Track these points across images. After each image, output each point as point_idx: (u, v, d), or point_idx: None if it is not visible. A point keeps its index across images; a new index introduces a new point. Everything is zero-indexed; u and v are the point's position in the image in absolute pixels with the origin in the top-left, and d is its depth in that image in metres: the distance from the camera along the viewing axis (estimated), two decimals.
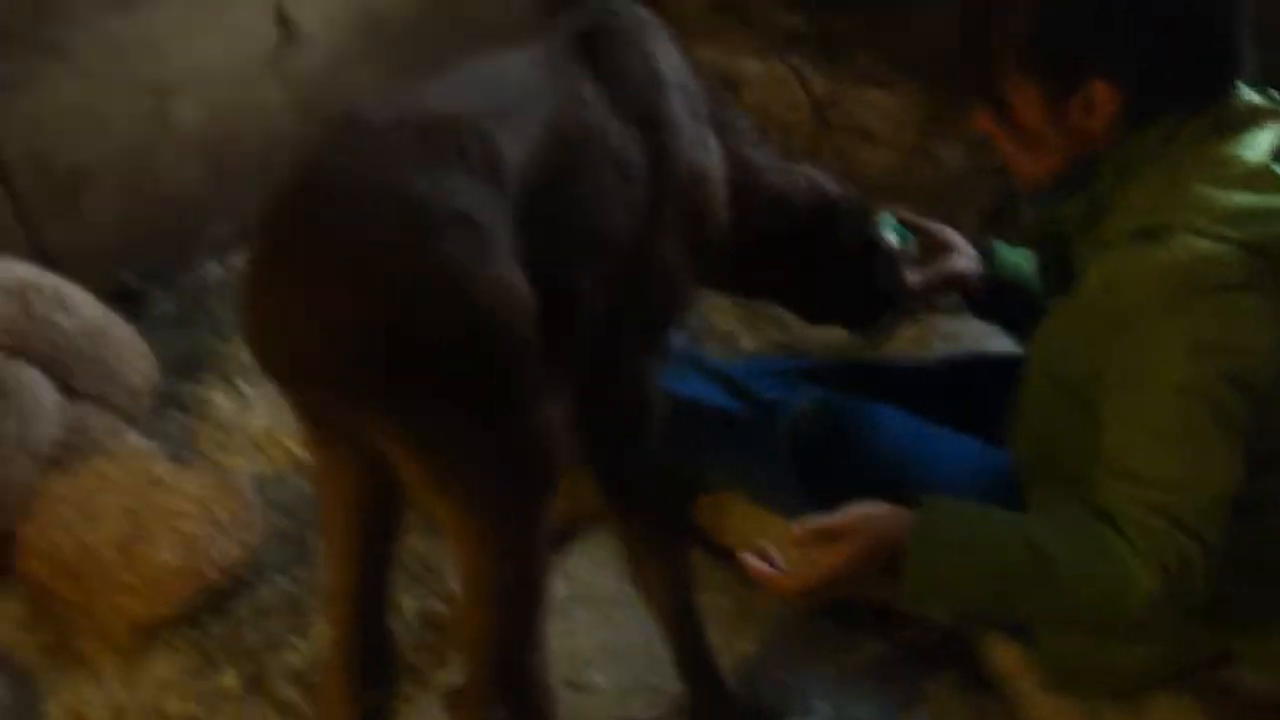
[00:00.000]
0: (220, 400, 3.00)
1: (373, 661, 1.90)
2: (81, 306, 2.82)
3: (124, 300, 3.03)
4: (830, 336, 3.04)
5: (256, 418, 2.96)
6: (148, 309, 3.12)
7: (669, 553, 2.10)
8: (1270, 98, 1.89)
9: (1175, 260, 1.72)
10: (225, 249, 3.27)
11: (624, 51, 1.93)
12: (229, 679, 2.43)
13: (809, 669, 2.35)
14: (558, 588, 2.46)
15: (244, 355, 3.09)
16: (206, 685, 2.42)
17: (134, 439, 2.77)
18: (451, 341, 1.56)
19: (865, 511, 1.89)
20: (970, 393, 2.49)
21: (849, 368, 2.66)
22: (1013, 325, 2.50)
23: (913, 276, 2.41)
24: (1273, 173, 1.78)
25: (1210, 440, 1.76)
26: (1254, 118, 1.83)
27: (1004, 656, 2.27)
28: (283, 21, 3.12)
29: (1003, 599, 1.85)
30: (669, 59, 1.99)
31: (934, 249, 2.45)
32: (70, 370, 2.77)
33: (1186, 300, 1.72)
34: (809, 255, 2.31)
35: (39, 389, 2.69)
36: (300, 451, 2.87)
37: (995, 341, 2.83)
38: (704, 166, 2.00)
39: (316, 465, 1.85)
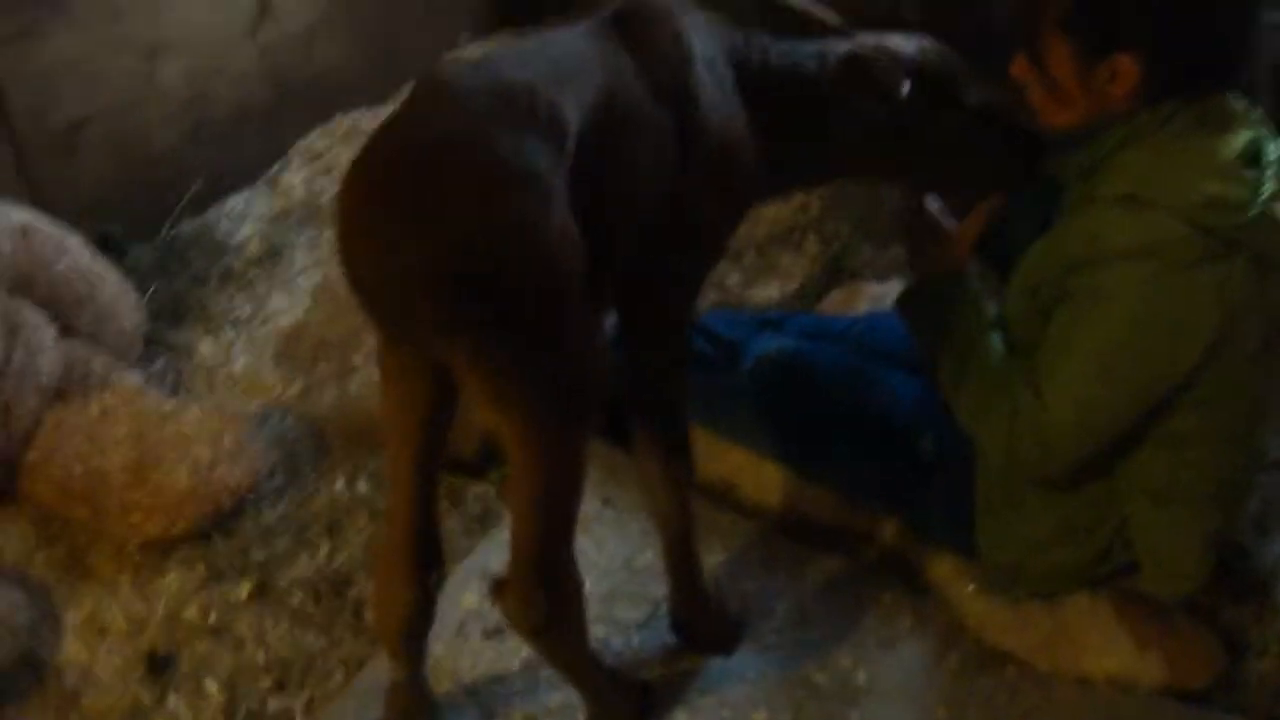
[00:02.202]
0: (204, 345, 3.21)
1: (426, 546, 2.16)
2: (77, 252, 2.99)
3: (107, 249, 3.18)
4: (762, 296, 3.38)
5: (239, 361, 3.18)
6: (129, 259, 3.28)
7: (682, 469, 2.35)
8: (1248, 108, 2.20)
9: (1150, 231, 2.05)
10: (200, 206, 3.46)
11: (656, 31, 2.14)
12: (242, 589, 2.64)
13: (768, 579, 2.64)
14: None
15: (222, 302, 3.31)
16: (220, 595, 2.63)
17: (131, 376, 2.95)
18: (521, 278, 1.79)
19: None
20: (899, 340, 2.81)
21: (797, 317, 2.99)
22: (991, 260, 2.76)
23: None
24: (1241, 170, 2.09)
25: (1112, 399, 2.15)
26: (1234, 120, 2.15)
27: (939, 567, 2.61)
28: None
29: (941, 357, 2.33)
30: (696, 36, 2.20)
31: None
32: (68, 311, 2.95)
33: (1150, 268, 2.06)
34: (860, 120, 2.32)
35: (41, 326, 2.86)
36: (281, 390, 3.10)
37: None
38: (729, 134, 2.20)
39: (387, 369, 2.07)
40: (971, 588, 2.57)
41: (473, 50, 2.00)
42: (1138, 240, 2.07)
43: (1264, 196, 2.08)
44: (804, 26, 2.28)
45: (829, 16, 2.32)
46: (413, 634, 2.23)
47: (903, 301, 2.44)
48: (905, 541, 2.67)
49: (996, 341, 2.29)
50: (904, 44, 2.30)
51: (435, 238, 1.74)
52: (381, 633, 2.28)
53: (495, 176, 1.78)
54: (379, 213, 1.79)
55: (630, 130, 2.05)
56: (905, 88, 2.20)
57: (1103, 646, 2.43)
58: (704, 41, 2.19)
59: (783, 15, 2.31)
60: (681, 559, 2.43)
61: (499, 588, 2.07)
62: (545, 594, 2.02)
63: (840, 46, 2.29)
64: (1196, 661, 2.42)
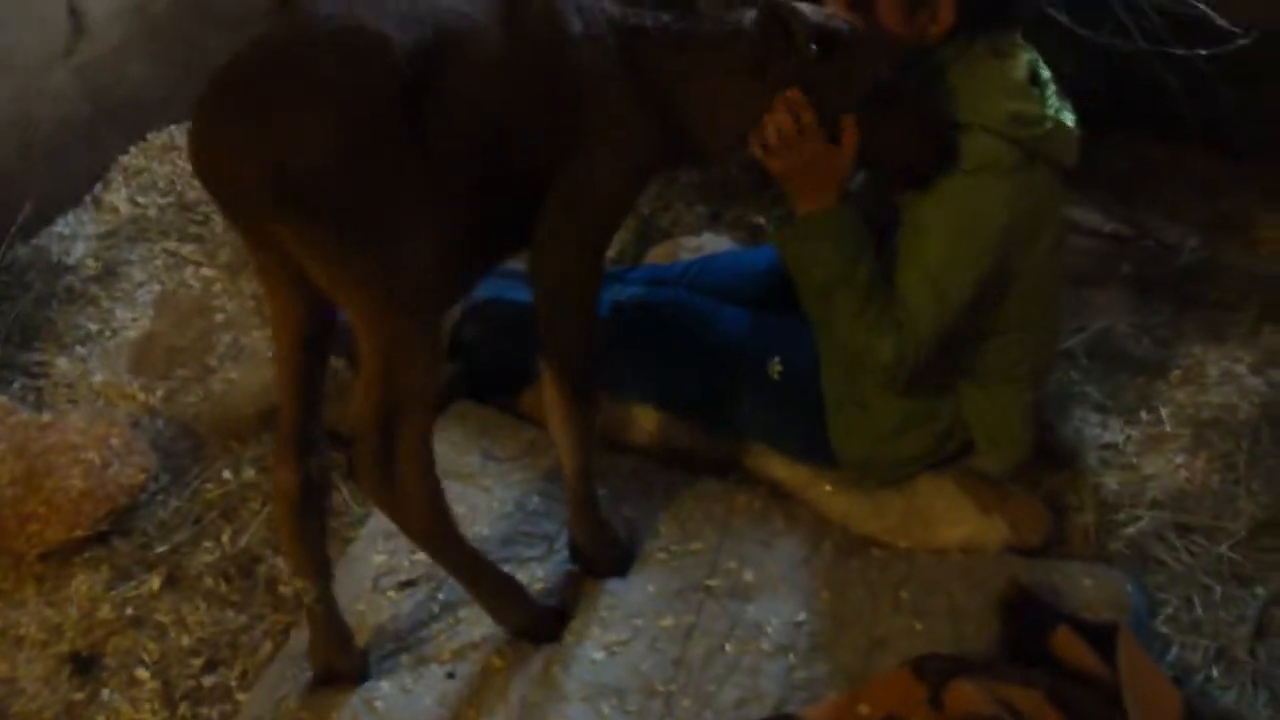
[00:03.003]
0: (59, 363, 3.25)
1: (307, 434, 2.37)
2: None
3: None
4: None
5: (96, 375, 3.24)
6: None
7: (585, 411, 2.57)
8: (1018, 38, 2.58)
9: (969, 149, 2.42)
10: (31, 230, 3.50)
11: (533, 10, 2.31)
12: (153, 582, 2.74)
13: (648, 505, 2.87)
14: None
15: (69, 321, 3.36)
16: (132, 592, 2.72)
17: None
18: (335, 179, 2.04)
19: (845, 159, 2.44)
20: (730, 277, 3.10)
21: (636, 270, 3.26)
22: None
23: None
24: (1031, 88, 2.48)
25: (951, 289, 2.48)
26: (1015, 47, 2.54)
27: (797, 474, 2.91)
28: (73, 13, 3.37)
29: (832, 284, 2.50)
30: (577, 15, 2.36)
31: None
32: None
33: (976, 179, 2.42)
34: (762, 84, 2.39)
35: None
36: (145, 398, 3.18)
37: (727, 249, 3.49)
38: (612, 102, 2.38)
39: (258, 272, 2.34)
40: (828, 488, 2.87)
41: None
42: (962, 158, 2.42)
43: (1051, 110, 2.46)
44: None
45: None
46: (306, 529, 2.41)
47: (782, 235, 2.59)
48: (763, 456, 2.95)
49: (873, 266, 2.52)
50: (813, 10, 2.36)
51: (261, 140, 2.04)
52: (279, 530, 2.47)
53: (314, 91, 2.06)
54: (216, 117, 2.10)
55: (485, 89, 2.25)
56: (812, 46, 2.28)
57: (952, 518, 2.77)
58: (587, 20, 2.38)
59: None
60: (581, 492, 2.66)
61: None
62: (381, 457, 2.25)
63: (748, 17, 2.39)
64: (1032, 522, 2.78)
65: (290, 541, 2.41)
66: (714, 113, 2.45)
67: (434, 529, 2.37)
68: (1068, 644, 2.39)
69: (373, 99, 2.08)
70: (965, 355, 2.67)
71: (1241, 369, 3.24)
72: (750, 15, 2.39)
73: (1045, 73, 2.56)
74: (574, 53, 2.35)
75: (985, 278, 2.50)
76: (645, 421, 3.01)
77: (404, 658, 2.55)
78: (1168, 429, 3.09)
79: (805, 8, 2.34)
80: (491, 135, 2.28)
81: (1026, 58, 2.54)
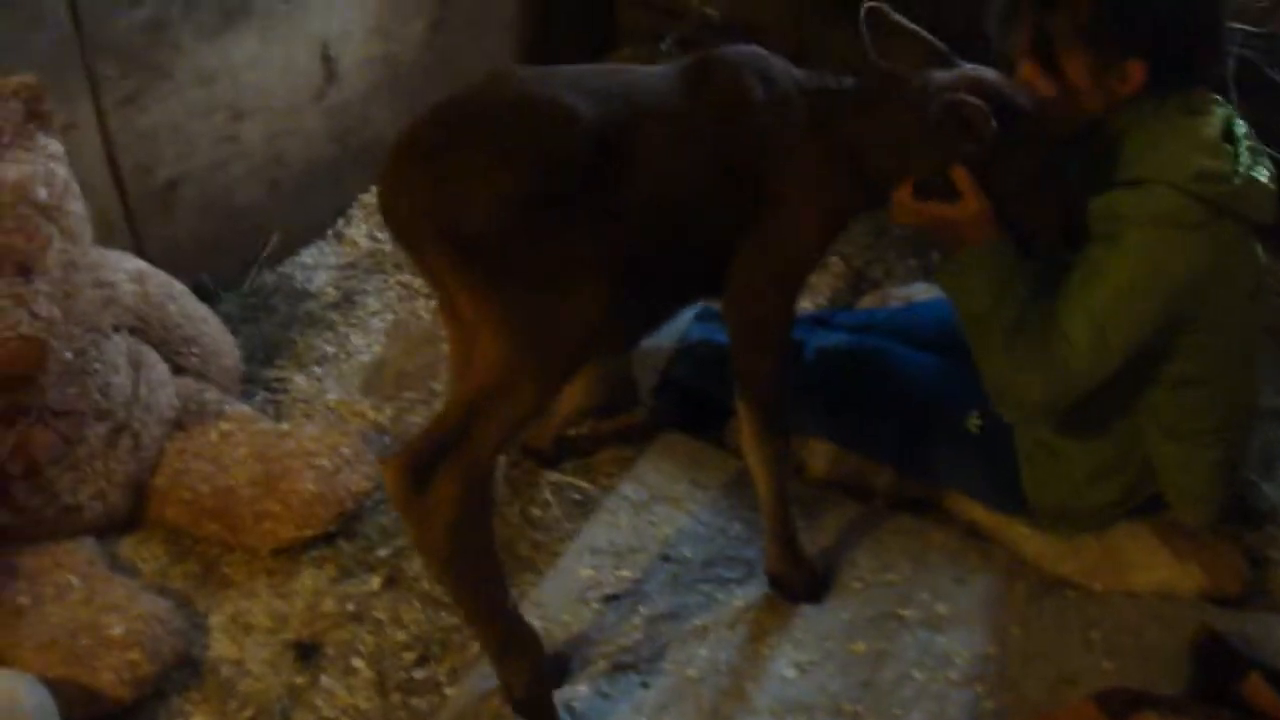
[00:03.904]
0: (298, 380, 3.49)
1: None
2: (183, 297, 3.28)
3: (201, 297, 3.44)
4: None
5: (331, 393, 3.47)
6: (219, 306, 3.58)
7: (776, 441, 2.69)
8: (1215, 96, 2.61)
9: (1155, 202, 2.45)
10: (277, 258, 3.79)
11: (721, 79, 2.48)
12: (373, 581, 2.92)
13: (846, 537, 2.97)
14: (636, 492, 3.07)
15: (308, 343, 3.61)
16: (354, 589, 2.90)
17: (242, 406, 3.23)
18: (497, 239, 2.18)
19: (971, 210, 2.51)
20: (939, 325, 3.17)
21: (843, 313, 3.36)
22: None
23: None
24: (1224, 145, 2.50)
25: (1115, 335, 2.50)
26: (1209, 105, 2.57)
27: (992, 516, 2.95)
28: (326, 60, 3.66)
29: (981, 319, 2.56)
30: (763, 82, 2.51)
31: None
32: (179, 350, 3.23)
33: (1154, 230, 2.45)
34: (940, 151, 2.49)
35: (159, 363, 3.14)
36: (374, 416, 3.39)
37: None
38: (797, 166, 2.51)
39: (439, 303, 2.53)
40: (1025, 530, 2.91)
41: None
42: (1146, 211, 2.45)
43: (1243, 168, 2.48)
44: (914, 48, 2.55)
45: (935, 43, 2.58)
46: None
47: (939, 268, 2.66)
48: (961, 498, 3.01)
49: (1026, 304, 2.55)
50: (1000, 81, 2.49)
51: (436, 197, 2.20)
52: None
53: (490, 155, 2.19)
54: (401, 169, 2.27)
55: (673, 158, 2.39)
56: (994, 126, 2.37)
57: (1147, 563, 2.79)
58: (772, 85, 2.52)
59: (899, 37, 2.58)
60: (777, 521, 2.76)
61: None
62: (428, 460, 2.25)
63: (934, 80, 2.48)
64: (1229, 571, 2.78)
65: None
66: (901, 163, 2.53)
67: (445, 550, 2.30)
68: (1259, 691, 2.39)
69: (550, 167, 2.21)
70: (1151, 406, 2.68)
71: None
72: (933, 79, 2.48)
73: (1241, 129, 2.57)
74: (759, 118, 2.49)
75: (1152, 332, 2.51)
76: (844, 463, 3.09)
77: (602, 664, 2.68)
78: None
79: (992, 78, 2.46)
80: (677, 202, 2.42)
81: (1221, 114, 2.56)
